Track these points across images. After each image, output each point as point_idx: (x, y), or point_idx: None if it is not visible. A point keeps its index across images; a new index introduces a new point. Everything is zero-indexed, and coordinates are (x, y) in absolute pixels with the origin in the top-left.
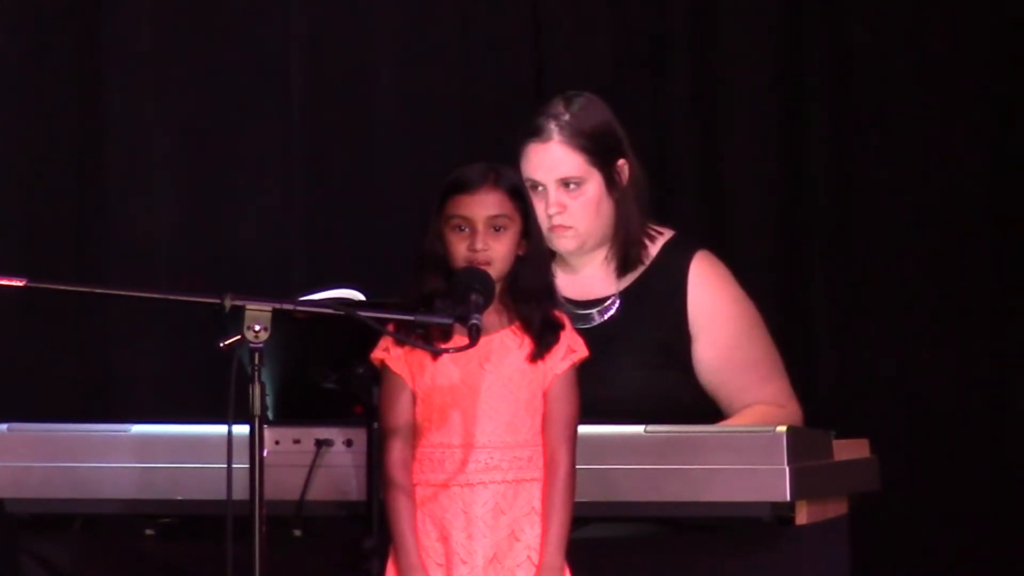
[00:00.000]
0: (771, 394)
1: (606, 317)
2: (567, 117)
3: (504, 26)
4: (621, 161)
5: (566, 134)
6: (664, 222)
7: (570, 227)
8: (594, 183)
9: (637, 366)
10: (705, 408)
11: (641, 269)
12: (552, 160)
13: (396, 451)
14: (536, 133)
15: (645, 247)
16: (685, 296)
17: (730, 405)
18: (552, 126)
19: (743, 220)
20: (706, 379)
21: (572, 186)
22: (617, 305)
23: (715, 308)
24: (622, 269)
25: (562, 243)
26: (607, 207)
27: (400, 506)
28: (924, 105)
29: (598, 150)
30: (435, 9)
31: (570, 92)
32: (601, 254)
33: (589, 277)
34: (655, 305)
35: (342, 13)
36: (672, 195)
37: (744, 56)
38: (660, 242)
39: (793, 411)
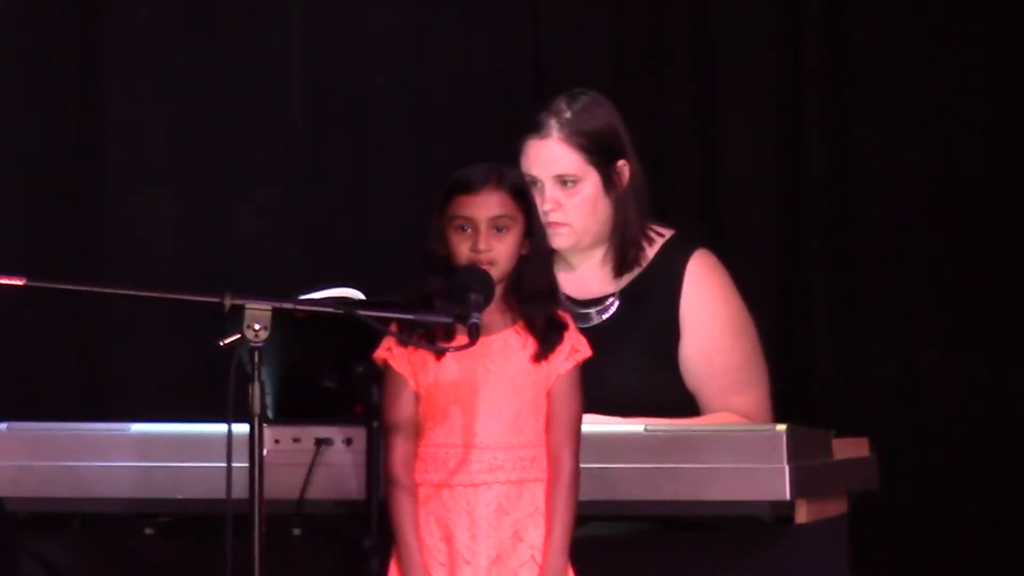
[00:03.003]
0: (744, 404)
1: (605, 317)
2: (568, 115)
3: (504, 25)
4: (621, 162)
5: (565, 132)
6: (664, 222)
7: (565, 224)
8: (591, 182)
9: (634, 366)
10: (697, 410)
11: (640, 269)
12: (549, 156)
13: (398, 450)
14: (536, 129)
15: (643, 249)
16: (680, 293)
17: (704, 407)
18: (552, 122)
19: (743, 220)
20: (687, 377)
21: (568, 184)
22: (616, 305)
23: (704, 307)
24: (619, 270)
25: (556, 240)
26: (604, 207)
27: (403, 505)
28: (924, 105)
29: (597, 149)
30: (435, 8)
31: (577, 90)
32: (598, 253)
33: (587, 276)
34: (653, 305)
35: (342, 13)
36: (672, 195)
37: (744, 55)
38: (660, 243)
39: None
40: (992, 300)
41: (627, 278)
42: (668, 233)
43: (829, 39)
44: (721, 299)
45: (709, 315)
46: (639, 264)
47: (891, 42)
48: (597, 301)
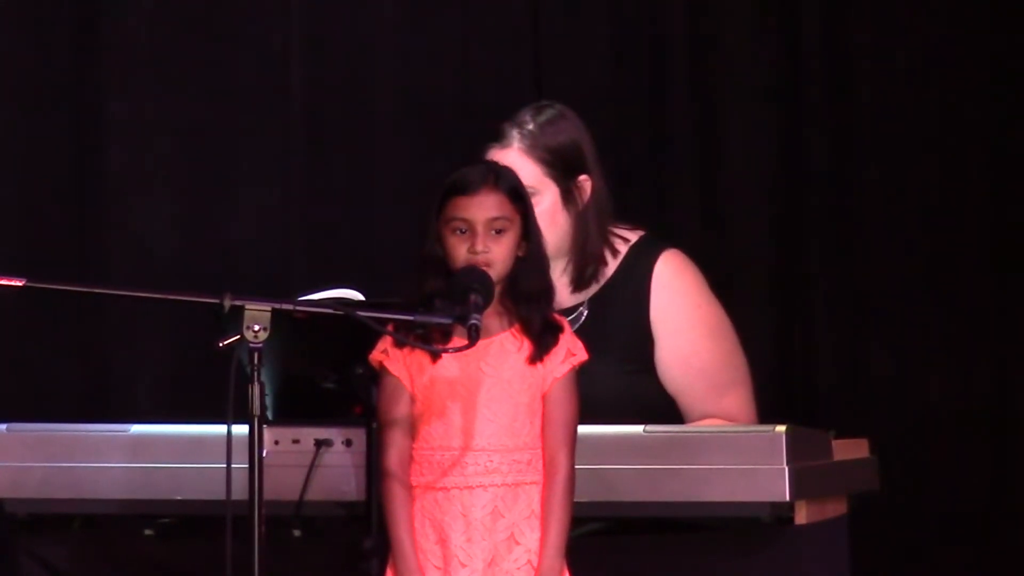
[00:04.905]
0: (727, 407)
1: (575, 327)
2: (531, 127)
3: (504, 26)
4: (583, 177)
5: (526, 143)
6: (662, 221)
7: None
8: (549, 195)
9: (609, 373)
10: (679, 411)
11: (608, 275)
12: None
13: (394, 451)
14: (497, 138)
15: (606, 263)
16: (649, 297)
17: (687, 413)
18: (514, 133)
19: (743, 220)
20: (667, 383)
21: None
22: (585, 315)
23: (675, 311)
24: (577, 284)
25: None
26: (563, 221)
27: (398, 507)
28: (924, 105)
29: (556, 164)
30: (435, 9)
31: (544, 103)
32: (559, 266)
33: None
34: (622, 310)
35: (342, 13)
36: (671, 195)
37: (744, 56)
38: (626, 247)
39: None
40: (992, 300)
41: (595, 287)
42: (635, 236)
43: (829, 39)
44: (692, 301)
45: (681, 318)
46: (602, 275)
47: (891, 42)
48: (567, 312)
